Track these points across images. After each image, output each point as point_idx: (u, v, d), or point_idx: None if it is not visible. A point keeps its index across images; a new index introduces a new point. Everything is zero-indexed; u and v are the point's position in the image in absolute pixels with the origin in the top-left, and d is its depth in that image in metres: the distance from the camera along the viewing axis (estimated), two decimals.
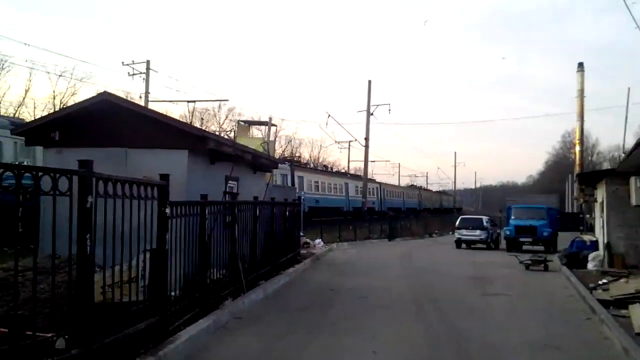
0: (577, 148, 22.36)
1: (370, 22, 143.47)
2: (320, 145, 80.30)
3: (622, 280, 12.09)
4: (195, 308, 8.07)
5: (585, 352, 7.08)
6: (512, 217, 27.07)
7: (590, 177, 18.91)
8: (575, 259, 18.37)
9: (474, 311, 9.96)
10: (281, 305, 10.10)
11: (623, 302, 10.23)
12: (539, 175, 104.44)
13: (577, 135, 22.11)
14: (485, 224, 28.63)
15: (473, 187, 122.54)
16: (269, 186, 14.52)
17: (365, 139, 42.49)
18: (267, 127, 23.93)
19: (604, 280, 12.27)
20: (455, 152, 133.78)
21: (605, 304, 10.24)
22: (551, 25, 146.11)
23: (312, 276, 14.46)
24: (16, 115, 42.79)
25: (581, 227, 25.89)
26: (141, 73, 35.31)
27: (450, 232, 47.10)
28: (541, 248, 25.75)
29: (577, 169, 22.49)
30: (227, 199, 11.15)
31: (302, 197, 26.40)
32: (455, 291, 12.45)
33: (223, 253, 9.60)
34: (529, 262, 17.58)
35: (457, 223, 29.45)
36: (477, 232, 28.10)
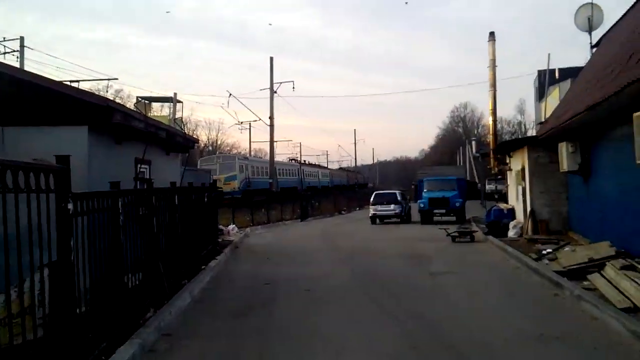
0: (491, 119, 22.27)
1: None
2: (219, 127, 77.02)
3: (567, 248, 11.67)
4: (113, 330, 6.17)
5: (590, 342, 6.08)
6: (425, 190, 26.93)
7: (509, 145, 18.78)
8: (496, 228, 18.24)
9: (434, 297, 8.85)
10: (216, 311, 8.33)
11: (578, 273, 9.68)
12: (431, 149, 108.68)
13: (490, 106, 21.95)
14: (399, 198, 28.31)
15: (370, 163, 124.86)
16: (184, 169, 12.50)
17: (270, 117, 40.57)
18: (170, 104, 21.38)
19: (548, 250, 11.80)
20: (355, 130, 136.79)
21: (559, 275, 9.66)
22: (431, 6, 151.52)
23: (239, 268, 12.73)
24: None
25: (496, 196, 26.31)
26: (14, 51, 30.86)
27: (357, 208, 47.27)
28: (452, 218, 25.88)
29: (490, 139, 22.41)
30: (138, 186, 9.11)
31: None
32: (400, 274, 11.37)
33: (138, 253, 7.67)
34: (456, 234, 17.14)
35: (372, 199, 28.85)
36: (392, 206, 27.72)
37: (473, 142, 43.90)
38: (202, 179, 16.44)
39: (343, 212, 42.07)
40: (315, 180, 65.07)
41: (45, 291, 4.49)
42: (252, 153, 71.39)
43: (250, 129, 61.60)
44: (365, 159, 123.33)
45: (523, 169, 17.40)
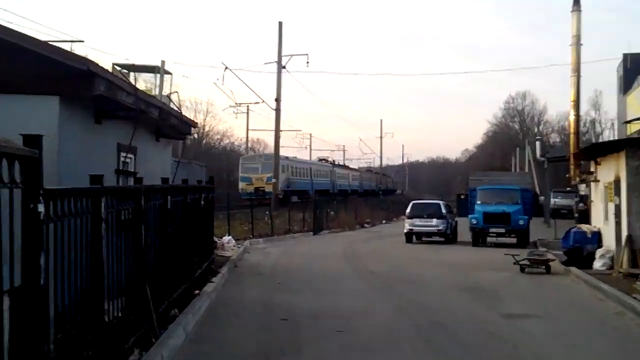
0: (572, 113, 21.39)
1: None
2: (207, 109, 76.07)
3: None
4: None
5: None
6: (478, 202, 26.23)
7: (598, 149, 18.06)
8: (578, 257, 17.57)
9: (521, 351, 8.19)
10: (220, 358, 7.78)
11: None
12: (477, 149, 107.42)
13: (572, 97, 20.98)
14: (443, 211, 27.65)
15: (398, 163, 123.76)
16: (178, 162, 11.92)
17: (276, 100, 39.79)
18: (156, 74, 20.71)
19: None
20: (381, 120, 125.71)
21: None
22: None
23: (244, 295, 12.16)
24: None
25: (576, 215, 25.58)
26: None
27: (384, 221, 46.77)
28: (512, 240, 25.22)
29: (571, 139, 21.60)
30: (121, 181, 8.58)
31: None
32: (463, 314, 10.73)
33: (120, 271, 7.12)
34: (527, 262, 16.49)
35: (409, 210, 28.17)
36: (434, 221, 27.06)
37: (537, 143, 43.05)
38: (196, 174, 15.90)
39: (366, 224, 41.45)
40: (346, 183, 70.52)
41: (3, 329, 3.91)
42: (249, 144, 70.99)
43: (248, 113, 60.99)
44: (391, 158, 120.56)
45: (617, 181, 16.68)
